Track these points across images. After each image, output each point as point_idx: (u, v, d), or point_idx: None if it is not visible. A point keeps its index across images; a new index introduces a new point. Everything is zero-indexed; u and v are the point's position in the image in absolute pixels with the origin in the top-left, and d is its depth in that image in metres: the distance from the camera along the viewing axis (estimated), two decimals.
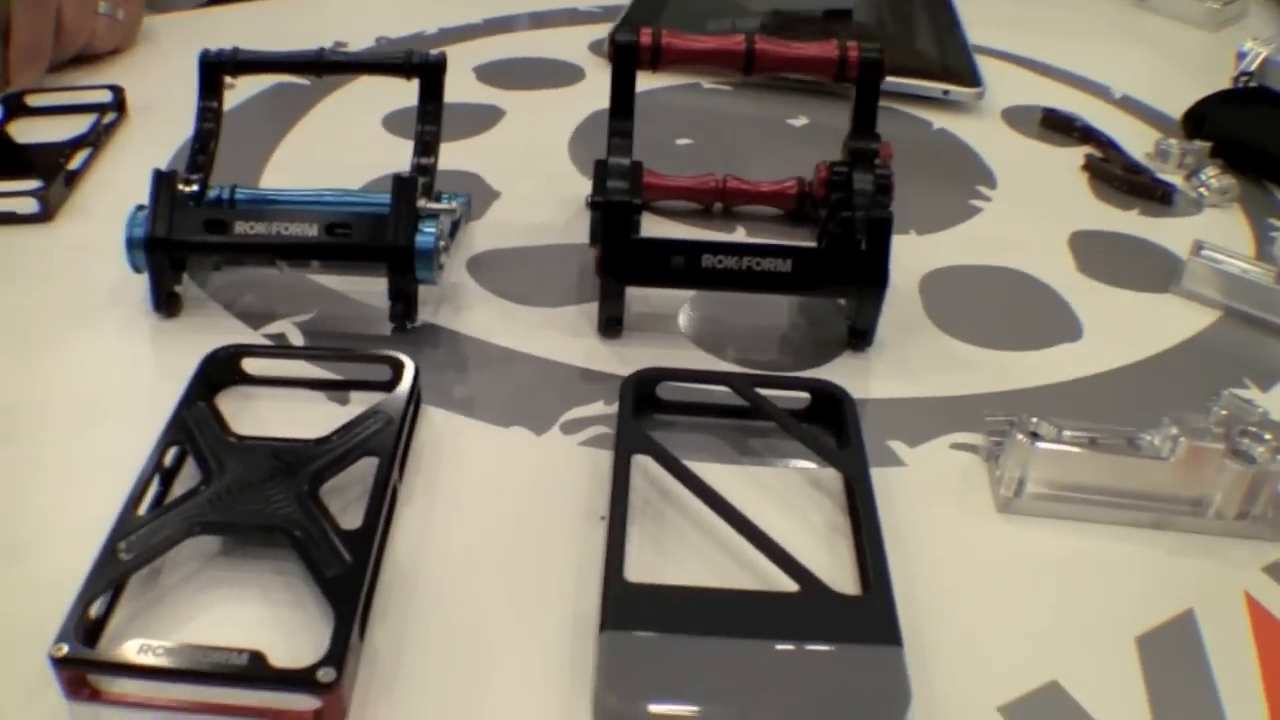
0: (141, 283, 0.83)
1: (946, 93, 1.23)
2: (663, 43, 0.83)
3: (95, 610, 0.59)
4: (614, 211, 0.79)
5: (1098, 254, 0.99)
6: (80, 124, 1.08)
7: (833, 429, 0.74)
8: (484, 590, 0.64)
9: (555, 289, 0.89)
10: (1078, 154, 1.15)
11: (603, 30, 1.35)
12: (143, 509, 0.65)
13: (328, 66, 0.89)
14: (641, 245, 0.80)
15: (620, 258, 0.80)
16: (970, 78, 1.25)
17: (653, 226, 0.95)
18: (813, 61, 0.84)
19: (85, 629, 0.57)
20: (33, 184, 0.96)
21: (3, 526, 0.67)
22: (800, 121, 1.18)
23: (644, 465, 0.70)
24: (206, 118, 0.89)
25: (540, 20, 1.42)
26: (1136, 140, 1.17)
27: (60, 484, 0.70)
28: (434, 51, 0.88)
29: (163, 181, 0.81)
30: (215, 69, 0.89)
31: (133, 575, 0.61)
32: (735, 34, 0.84)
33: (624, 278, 0.80)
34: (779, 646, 0.58)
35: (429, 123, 0.88)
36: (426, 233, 0.80)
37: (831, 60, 0.83)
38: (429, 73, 0.88)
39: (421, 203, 0.81)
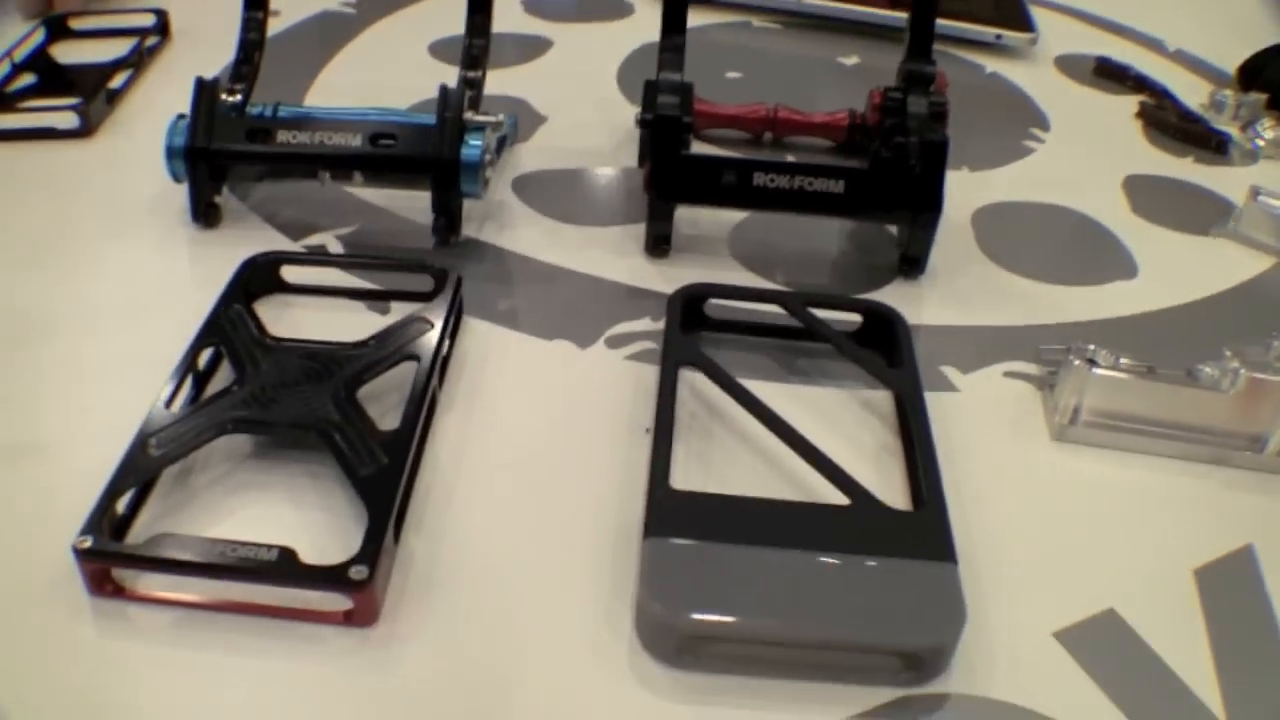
0: (181, 195, 0.82)
1: (999, 37, 1.21)
2: None
3: (122, 505, 0.58)
4: (664, 126, 0.77)
5: (1152, 197, 0.97)
6: (122, 46, 1.07)
7: (884, 351, 0.72)
8: (524, 498, 0.63)
9: (602, 209, 0.88)
10: (1131, 102, 1.13)
11: None
12: (176, 407, 0.63)
13: None
14: (691, 162, 0.79)
15: (670, 174, 0.78)
16: (1024, 23, 1.23)
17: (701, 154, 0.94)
18: None
19: (111, 523, 0.57)
20: (73, 100, 0.95)
21: (34, 423, 0.66)
22: (851, 60, 1.16)
23: (691, 379, 0.69)
24: (251, 28, 0.88)
25: None
26: (1190, 92, 1.15)
27: (93, 384, 0.69)
28: None
29: (205, 90, 0.80)
30: None
31: (162, 474, 0.60)
32: None
33: (673, 195, 0.79)
34: (828, 558, 0.56)
35: (477, 36, 0.87)
36: (473, 145, 0.78)
37: None
38: None
39: (468, 115, 0.79)
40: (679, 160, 0.78)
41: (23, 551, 0.58)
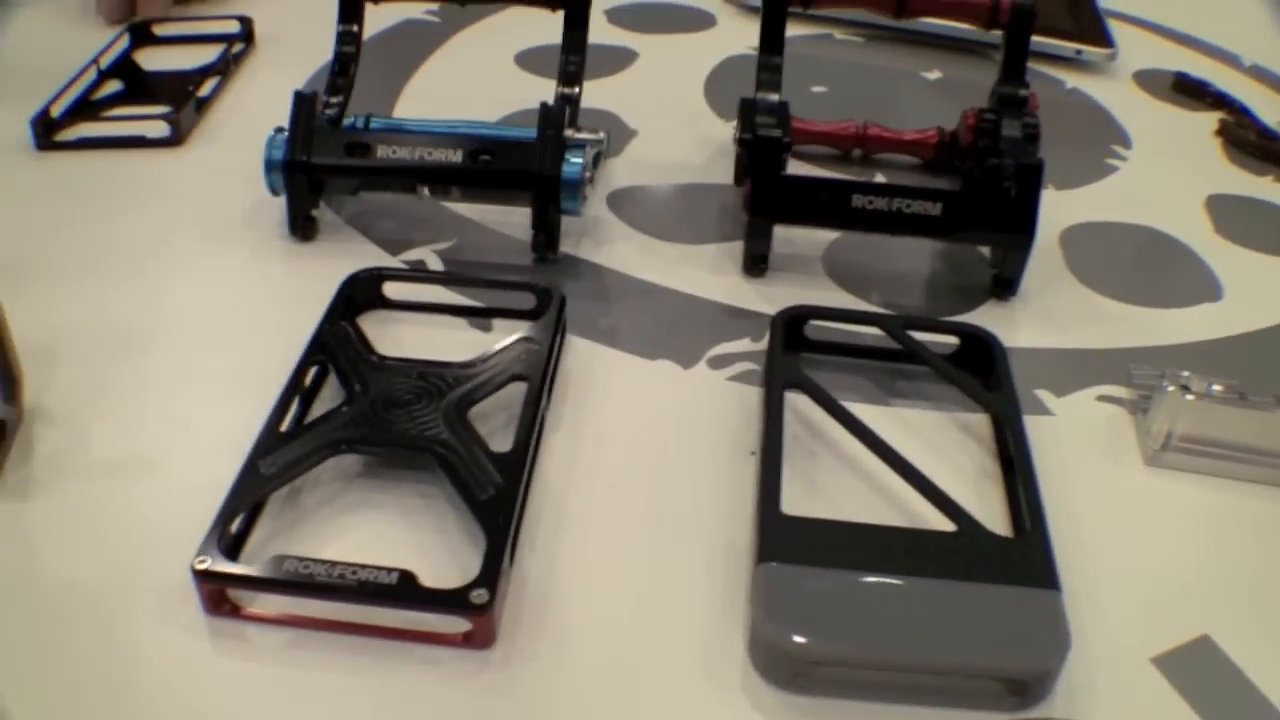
0: (276, 206, 0.83)
1: (1079, 52, 1.21)
2: None
3: (236, 526, 0.59)
4: (764, 148, 0.78)
5: (1235, 217, 0.97)
6: (207, 54, 1.08)
7: (981, 374, 0.73)
8: (633, 519, 0.64)
9: (696, 226, 0.88)
10: (1210, 118, 1.13)
11: None
12: (284, 426, 0.64)
13: None
14: (791, 183, 0.79)
15: (769, 195, 0.79)
16: (1102, 38, 1.23)
17: (792, 170, 0.94)
18: (965, 6, 0.83)
19: (227, 543, 0.57)
20: (162, 109, 0.96)
21: (139, 438, 0.67)
22: (934, 75, 1.17)
23: (794, 401, 0.69)
24: (346, 42, 0.89)
25: None
26: (1268, 108, 1.15)
27: (196, 400, 0.70)
28: None
29: (303, 104, 0.80)
30: None
31: (272, 495, 0.61)
32: None
33: (772, 215, 0.79)
34: (935, 584, 0.57)
35: (573, 53, 0.87)
36: (573, 162, 0.78)
37: (984, 5, 0.82)
38: (573, 2, 0.87)
39: (568, 132, 0.80)
40: (779, 181, 0.79)
41: (135, 569, 0.59)
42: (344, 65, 0.88)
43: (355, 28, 0.89)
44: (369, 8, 0.89)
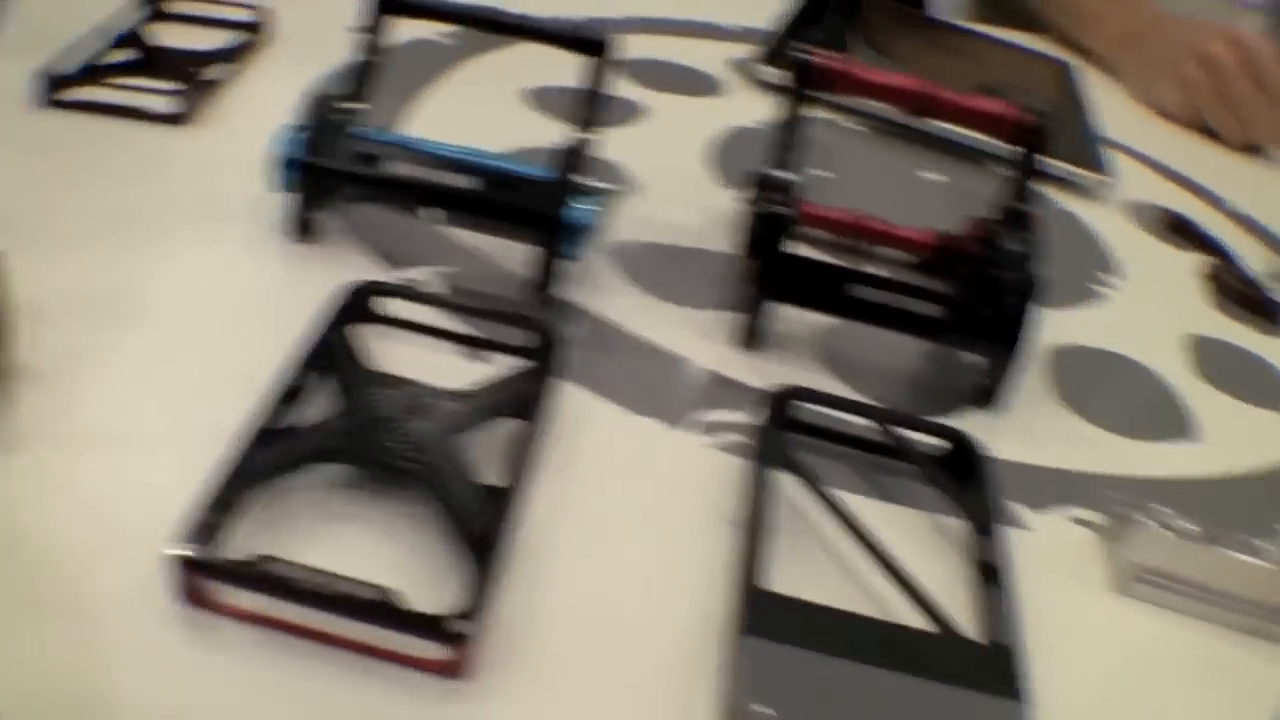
0: (276, 201, 0.82)
1: (1076, 175, 1.22)
2: (841, 68, 0.84)
3: (217, 517, 0.58)
4: (773, 223, 0.79)
5: (1216, 361, 0.98)
6: (219, 38, 1.08)
7: (963, 478, 0.73)
8: (612, 572, 0.64)
9: (692, 290, 0.88)
10: (1198, 260, 1.15)
11: (743, 50, 1.35)
12: (272, 425, 0.64)
13: (499, 26, 0.88)
14: (795, 262, 0.80)
15: (773, 273, 0.79)
16: (1097, 164, 1.25)
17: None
18: (983, 116, 0.84)
19: (209, 533, 0.57)
20: (173, 84, 0.96)
21: (123, 414, 0.67)
22: (932, 176, 1.18)
23: (780, 480, 0.70)
24: (369, 51, 0.88)
25: (681, 28, 1.42)
26: (1251, 256, 1.18)
27: (182, 384, 0.70)
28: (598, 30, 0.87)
29: (319, 104, 0.80)
30: (384, 5, 0.88)
31: (258, 492, 0.61)
32: (912, 75, 0.83)
33: (773, 293, 0.80)
34: (911, 682, 0.58)
35: (593, 100, 0.86)
36: (587, 209, 0.79)
37: (1002, 117, 0.83)
38: (597, 50, 0.86)
39: (582, 179, 0.80)
40: (784, 260, 0.79)
41: (110, 544, 0.58)
42: (363, 74, 0.87)
43: (380, 38, 0.88)
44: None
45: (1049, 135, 0.84)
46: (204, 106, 0.98)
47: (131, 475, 0.63)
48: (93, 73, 0.98)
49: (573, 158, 0.80)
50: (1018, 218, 0.84)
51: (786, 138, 0.85)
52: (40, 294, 0.71)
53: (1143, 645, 0.68)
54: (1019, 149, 0.85)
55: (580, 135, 0.85)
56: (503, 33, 0.89)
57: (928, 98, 0.84)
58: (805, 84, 0.85)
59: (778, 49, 1.32)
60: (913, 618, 0.62)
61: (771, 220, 0.79)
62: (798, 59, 0.84)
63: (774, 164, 0.84)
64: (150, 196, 0.85)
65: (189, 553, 0.55)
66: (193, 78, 0.99)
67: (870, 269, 0.94)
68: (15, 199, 0.81)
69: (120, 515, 0.60)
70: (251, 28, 1.11)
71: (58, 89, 0.93)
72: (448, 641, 0.54)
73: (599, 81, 0.86)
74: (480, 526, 0.60)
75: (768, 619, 0.59)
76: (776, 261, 0.79)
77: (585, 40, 0.86)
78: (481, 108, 1.10)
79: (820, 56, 0.83)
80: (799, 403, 0.75)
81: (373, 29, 0.88)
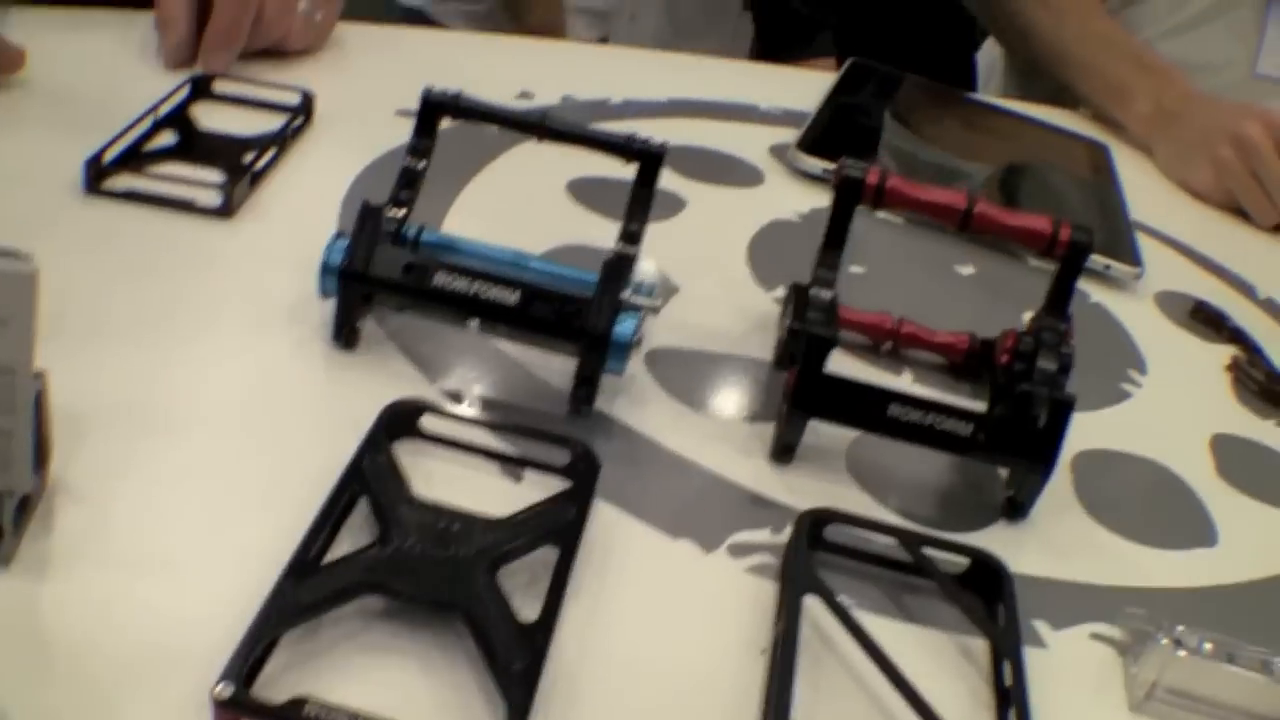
0: (320, 304, 0.83)
1: (1108, 268, 1.23)
2: (888, 185, 0.85)
3: (256, 655, 0.59)
4: (813, 345, 0.80)
5: (1237, 460, 0.99)
6: (261, 120, 1.08)
7: (987, 598, 0.75)
8: (642, 707, 0.65)
9: (730, 400, 0.90)
10: (1223, 352, 1.15)
11: (782, 134, 1.35)
12: (314, 552, 0.65)
13: (550, 133, 0.89)
14: (834, 383, 0.81)
15: (812, 391, 0.80)
16: (1131, 255, 1.26)
17: None
18: (1026, 233, 0.85)
19: (245, 672, 0.57)
20: (215, 174, 0.97)
21: (161, 532, 0.68)
22: (967, 269, 1.19)
23: (808, 604, 0.71)
24: (417, 155, 0.89)
25: (721, 111, 1.43)
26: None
27: (223, 503, 0.70)
28: (652, 140, 0.88)
29: (369, 215, 0.81)
30: (436, 109, 0.89)
31: (297, 628, 0.61)
32: (959, 191, 0.85)
33: (811, 410, 0.81)
34: None
35: (639, 212, 0.88)
36: (626, 324, 0.80)
37: (1044, 236, 0.85)
38: (648, 160, 0.88)
39: (625, 294, 0.81)
40: (823, 379, 0.80)
41: (145, 675, 0.59)
42: (410, 179, 0.88)
43: (429, 142, 0.89)
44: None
45: (1090, 250, 0.87)
46: (247, 197, 0.98)
47: (166, 601, 0.63)
48: (136, 158, 0.99)
49: (618, 270, 0.81)
50: (1052, 332, 0.86)
51: (831, 256, 0.87)
52: (78, 403, 0.71)
53: None
54: (1060, 266, 0.87)
55: (627, 248, 0.86)
56: (551, 139, 0.89)
57: (975, 216, 0.86)
58: (851, 199, 0.87)
59: (817, 135, 1.33)
60: None
61: (813, 341, 0.80)
62: (846, 175, 0.86)
63: (817, 282, 0.86)
64: (193, 293, 0.86)
65: (229, 693, 0.55)
66: (237, 164, 0.99)
67: (905, 373, 0.96)
68: (60, 296, 0.79)
69: (155, 643, 0.60)
70: (296, 111, 1.11)
71: (102, 178, 0.94)
72: None
73: (645, 194, 0.88)
74: (515, 662, 0.60)
75: None
76: (815, 381, 0.80)
77: (635, 151, 0.87)
78: (526, 200, 1.11)
79: (865, 172, 0.85)
80: (828, 523, 0.76)
81: (425, 134, 0.89)
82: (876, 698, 0.68)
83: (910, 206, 0.85)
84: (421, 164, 0.89)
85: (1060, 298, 0.86)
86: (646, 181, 0.88)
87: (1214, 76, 1.68)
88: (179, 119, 1.07)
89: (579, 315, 0.80)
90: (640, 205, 0.88)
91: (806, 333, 0.80)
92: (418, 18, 1.99)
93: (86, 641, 0.60)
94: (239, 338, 0.83)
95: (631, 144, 0.88)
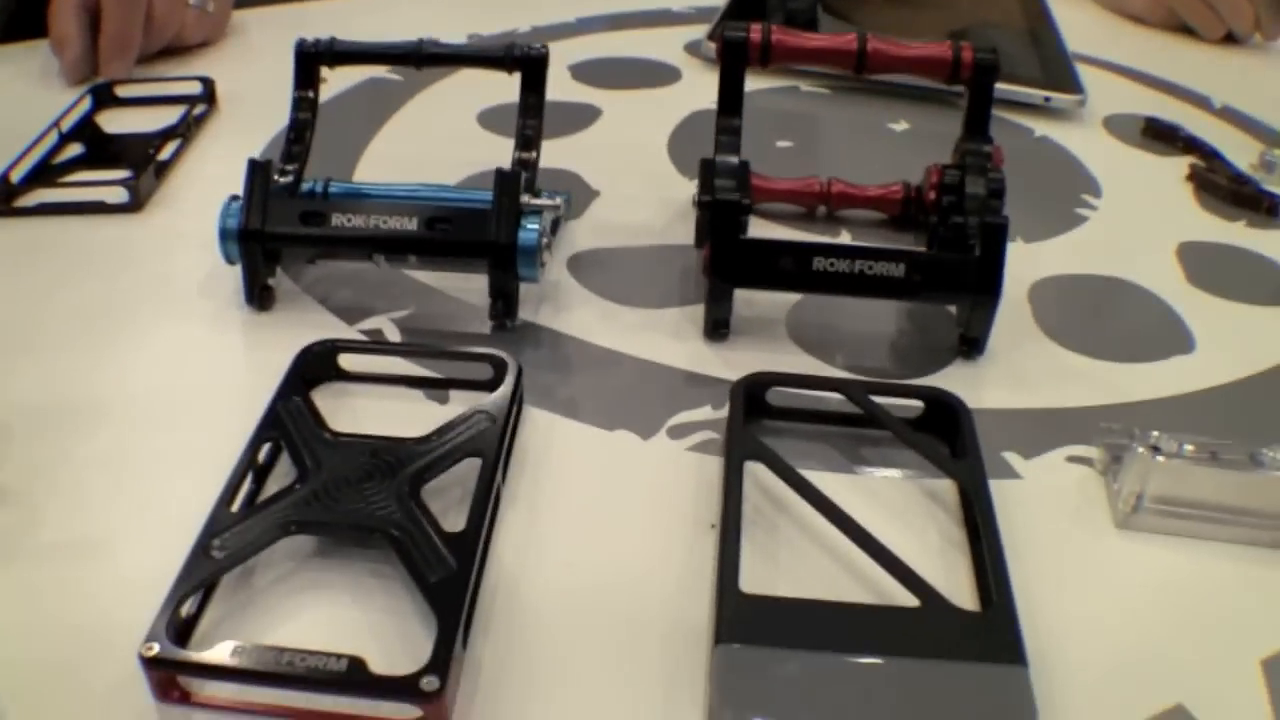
0: (233, 275, 0.82)
1: (1048, 99, 1.20)
2: (773, 39, 0.82)
3: (186, 610, 0.58)
4: (723, 211, 0.77)
5: (1207, 265, 0.96)
6: (169, 115, 1.08)
7: (947, 438, 0.72)
8: (590, 599, 0.62)
9: (657, 290, 0.87)
10: (1181, 163, 1.12)
11: (697, 31, 1.34)
12: (236, 506, 0.63)
13: (427, 58, 0.88)
14: (751, 246, 0.78)
15: (729, 259, 0.78)
16: (1071, 84, 1.23)
17: (754, 229, 0.93)
18: (926, 62, 0.82)
19: (176, 628, 0.56)
20: (122, 174, 0.96)
21: (90, 520, 0.66)
22: (900, 126, 1.16)
23: (755, 472, 0.68)
24: (302, 108, 0.88)
25: (634, 20, 1.41)
26: (1240, 151, 1.14)
27: (149, 478, 0.69)
28: (532, 46, 0.87)
29: (257, 171, 0.80)
30: (312, 59, 0.88)
31: (224, 575, 0.60)
32: (847, 33, 0.82)
33: (732, 279, 0.79)
34: (899, 663, 0.56)
35: (530, 117, 0.87)
36: (529, 229, 0.78)
37: (945, 61, 0.82)
38: (531, 66, 0.87)
39: (524, 198, 0.79)
40: (739, 244, 0.78)
41: (83, 655, 0.58)
42: (299, 131, 0.87)
43: (311, 93, 0.88)
44: (326, 71, 0.88)
45: (997, 69, 0.83)
46: (156, 189, 0.98)
47: (105, 578, 0.62)
48: (44, 173, 0.98)
49: (513, 177, 0.79)
50: (978, 158, 0.82)
51: (729, 120, 0.84)
52: (3, 413, 0.72)
53: (1157, 576, 0.66)
54: (970, 89, 0.84)
55: (520, 154, 0.85)
56: (430, 64, 0.89)
57: (868, 53, 0.83)
58: (738, 61, 0.83)
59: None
60: (903, 595, 0.60)
61: (721, 208, 0.77)
62: (726, 37, 0.83)
63: (720, 149, 0.83)
64: (109, 290, 0.85)
65: (156, 651, 0.54)
66: (146, 160, 0.98)
67: (843, 235, 0.93)
68: None
69: (91, 623, 0.59)
70: (197, 99, 1.11)
71: (10, 198, 0.94)
72: (421, 700, 0.53)
73: (533, 99, 0.87)
74: (443, 578, 0.59)
75: (743, 623, 0.58)
76: (731, 248, 0.78)
77: (515, 59, 0.87)
78: (438, 138, 1.10)
79: (746, 30, 0.82)
80: (766, 388, 0.73)
81: (306, 86, 0.88)
82: (838, 555, 0.65)
83: (800, 58, 0.82)
84: (306, 115, 0.88)
85: (978, 122, 0.83)
86: (533, 86, 0.87)
87: None
88: (85, 129, 1.07)
89: (482, 230, 0.78)
90: (532, 111, 0.87)
91: (715, 200, 0.76)
92: None
93: (22, 636, 0.59)
94: (157, 323, 0.82)
95: (511, 53, 0.87)
